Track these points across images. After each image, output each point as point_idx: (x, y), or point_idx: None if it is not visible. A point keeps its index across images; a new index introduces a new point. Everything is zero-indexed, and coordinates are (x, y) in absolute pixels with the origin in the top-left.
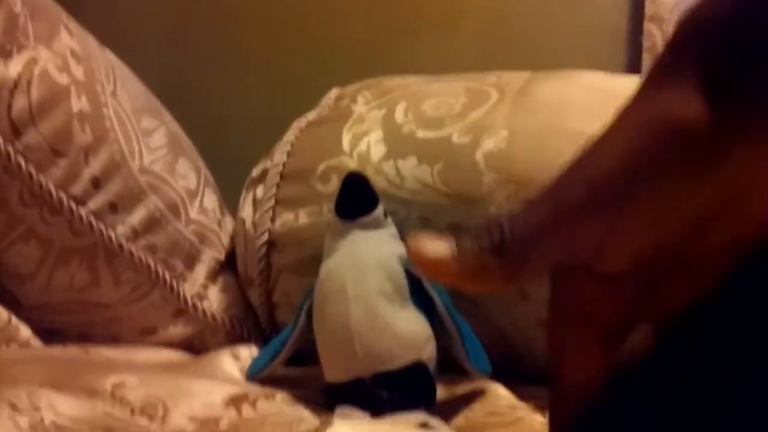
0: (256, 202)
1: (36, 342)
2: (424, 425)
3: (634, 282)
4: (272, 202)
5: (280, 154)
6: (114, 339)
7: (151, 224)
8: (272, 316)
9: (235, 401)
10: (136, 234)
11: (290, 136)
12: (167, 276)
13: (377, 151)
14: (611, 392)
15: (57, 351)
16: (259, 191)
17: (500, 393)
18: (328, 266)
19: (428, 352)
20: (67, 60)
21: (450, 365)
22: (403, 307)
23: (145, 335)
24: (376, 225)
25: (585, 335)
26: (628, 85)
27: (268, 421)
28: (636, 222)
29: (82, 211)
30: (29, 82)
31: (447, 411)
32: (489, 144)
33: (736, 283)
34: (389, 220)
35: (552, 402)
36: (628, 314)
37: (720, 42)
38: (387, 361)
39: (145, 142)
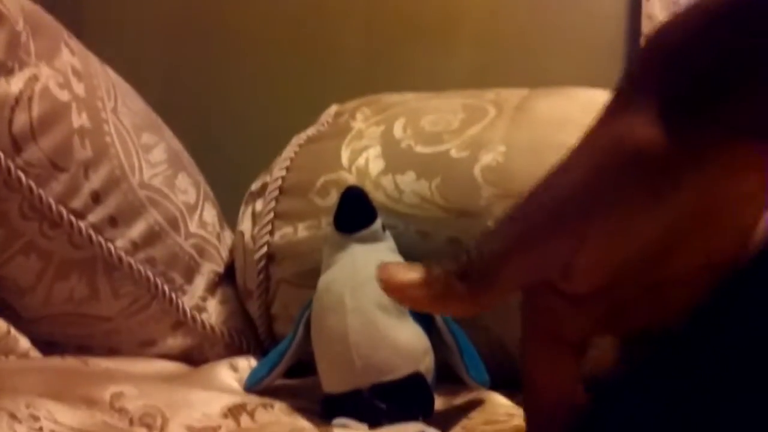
0: (255, 216)
1: (35, 353)
2: None
3: (600, 301)
4: (271, 215)
5: (279, 169)
6: (113, 351)
7: (151, 238)
8: (271, 327)
9: (234, 411)
10: (135, 247)
11: (289, 151)
12: (166, 288)
13: (376, 166)
14: (599, 400)
15: (56, 362)
16: (259, 205)
17: (498, 401)
18: (326, 279)
19: (426, 363)
20: (68, 77)
21: (448, 376)
22: (401, 319)
23: (144, 347)
24: (375, 239)
25: (555, 351)
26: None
27: (267, 431)
28: (599, 242)
29: (82, 225)
30: (30, 99)
31: (445, 421)
32: (487, 159)
33: (734, 288)
34: (387, 233)
35: (530, 416)
36: (595, 330)
37: (680, 68)
38: (385, 373)
39: (145, 157)
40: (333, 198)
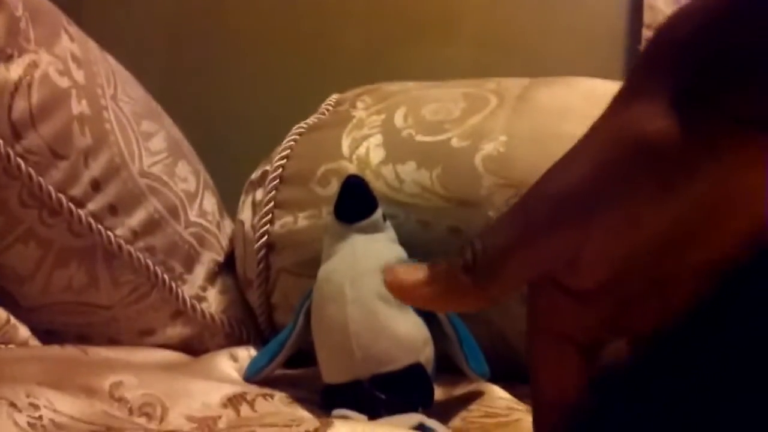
0: (255, 205)
1: (35, 342)
2: (421, 427)
3: (606, 298)
4: (271, 204)
5: (279, 158)
6: (113, 340)
7: (151, 226)
8: (271, 317)
9: (234, 401)
10: (135, 236)
11: (290, 140)
12: (166, 277)
13: (376, 155)
14: (600, 400)
15: (56, 351)
16: (259, 194)
17: (498, 394)
18: (326, 269)
19: (426, 354)
20: (67, 64)
21: (448, 367)
22: (401, 309)
23: (143, 336)
24: (375, 229)
25: (561, 349)
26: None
27: (267, 421)
28: (605, 235)
29: (82, 213)
30: (30, 86)
31: (445, 413)
32: (488, 148)
33: (735, 287)
34: (388, 224)
35: (534, 412)
36: (601, 330)
37: (691, 61)
38: (385, 363)
39: (145, 145)
40: (333, 187)
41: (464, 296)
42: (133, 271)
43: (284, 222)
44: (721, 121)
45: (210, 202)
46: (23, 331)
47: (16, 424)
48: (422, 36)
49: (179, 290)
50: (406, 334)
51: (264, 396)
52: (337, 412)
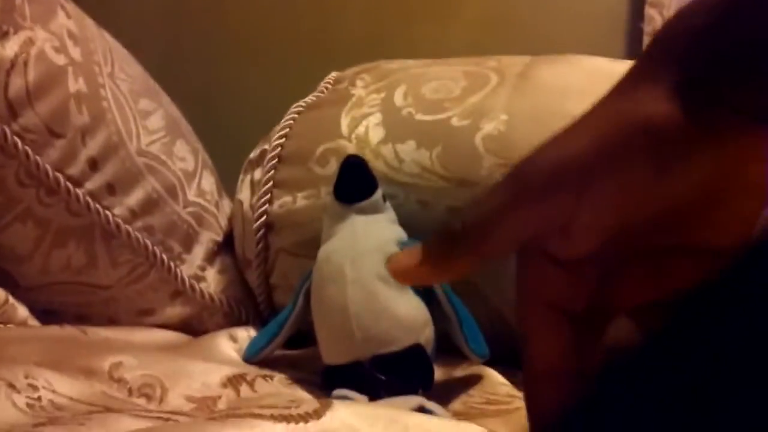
0: (253, 185)
1: (33, 322)
2: (422, 409)
3: (594, 270)
4: (270, 184)
5: (278, 137)
6: (112, 320)
7: (149, 206)
8: (270, 297)
9: (233, 381)
10: (133, 215)
11: (289, 119)
12: (165, 257)
13: (376, 135)
14: (604, 387)
15: (54, 331)
16: (257, 173)
17: (500, 380)
18: (326, 249)
19: (426, 335)
20: (64, 41)
21: (448, 348)
22: (401, 290)
23: (142, 316)
24: (375, 209)
25: (551, 318)
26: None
27: (267, 402)
28: (597, 206)
29: (79, 192)
30: (26, 63)
31: (445, 395)
32: (488, 127)
33: (731, 281)
34: (388, 204)
35: (526, 384)
36: (591, 302)
37: (701, 50)
38: (385, 344)
39: (142, 123)
40: (332, 167)
41: (457, 262)
42: (132, 250)
43: (283, 202)
44: (725, 111)
45: (208, 182)
46: (22, 311)
47: (14, 405)
48: (422, 16)
49: (178, 270)
50: (407, 314)
51: (264, 377)
52: (337, 392)
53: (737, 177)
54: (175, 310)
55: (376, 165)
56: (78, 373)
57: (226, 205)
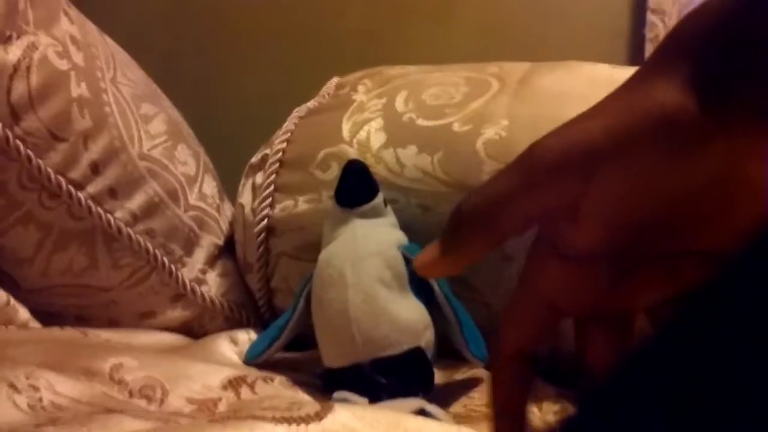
0: (255, 189)
1: (35, 324)
2: (422, 412)
3: (602, 267)
4: (271, 188)
5: (279, 142)
6: (113, 322)
7: (150, 209)
8: (271, 301)
9: (234, 383)
10: (135, 219)
11: (290, 123)
12: (166, 260)
13: (377, 140)
14: (614, 381)
15: (56, 333)
16: (259, 178)
17: None
18: (327, 253)
19: (427, 338)
20: (67, 46)
21: (448, 351)
22: (402, 294)
23: (143, 319)
24: (376, 213)
25: (535, 308)
26: (629, 76)
27: (268, 404)
28: (606, 187)
29: (81, 196)
30: (29, 68)
31: (445, 398)
32: (489, 133)
33: (732, 280)
34: (389, 208)
35: (492, 366)
36: (602, 303)
37: (716, 45)
38: (386, 348)
39: (144, 128)
40: (334, 171)
41: (467, 245)
42: (133, 253)
43: (284, 206)
44: (735, 106)
45: (210, 186)
46: (23, 313)
47: (16, 405)
48: (422, 20)
49: (179, 273)
50: (407, 318)
51: (264, 379)
52: (338, 394)
53: (749, 173)
54: (175, 313)
55: (378, 170)
56: (79, 374)
57: (228, 208)
